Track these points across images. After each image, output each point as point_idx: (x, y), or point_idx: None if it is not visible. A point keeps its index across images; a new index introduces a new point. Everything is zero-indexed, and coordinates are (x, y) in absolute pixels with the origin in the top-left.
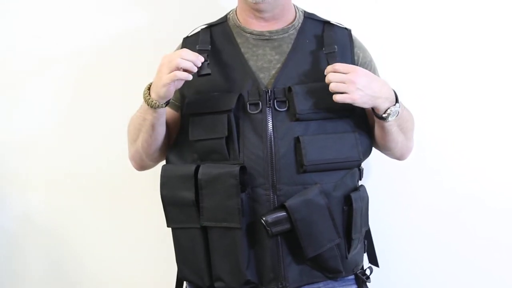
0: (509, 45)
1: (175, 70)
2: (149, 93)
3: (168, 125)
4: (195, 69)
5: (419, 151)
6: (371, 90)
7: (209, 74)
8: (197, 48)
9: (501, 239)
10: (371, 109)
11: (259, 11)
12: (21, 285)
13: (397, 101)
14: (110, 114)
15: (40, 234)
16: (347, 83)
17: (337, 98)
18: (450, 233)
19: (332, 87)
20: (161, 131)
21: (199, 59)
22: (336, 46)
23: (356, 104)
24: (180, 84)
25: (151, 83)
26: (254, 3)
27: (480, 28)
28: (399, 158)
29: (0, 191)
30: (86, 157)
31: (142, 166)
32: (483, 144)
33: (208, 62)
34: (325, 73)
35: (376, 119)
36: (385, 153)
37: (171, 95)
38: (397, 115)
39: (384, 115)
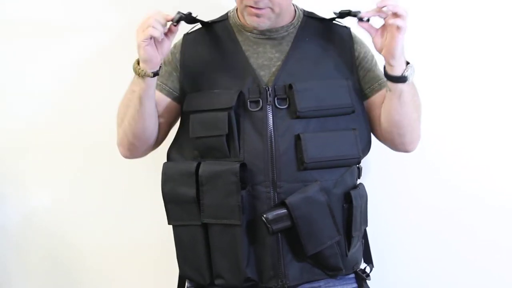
0: (508, 43)
1: (151, 28)
2: (139, 66)
3: (160, 112)
4: (164, 21)
5: (419, 148)
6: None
7: (184, 15)
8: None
9: (501, 238)
10: (385, 79)
11: (256, 29)
12: (21, 285)
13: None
14: (110, 113)
15: (40, 234)
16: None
17: (400, 25)
18: (450, 231)
19: (400, 11)
20: (149, 106)
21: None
22: (329, 53)
23: (396, 41)
24: (164, 51)
25: (137, 60)
26: (253, 27)
27: (479, 26)
28: (408, 145)
29: (0, 191)
30: (86, 156)
31: (130, 150)
32: (484, 142)
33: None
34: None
35: (393, 87)
36: (392, 145)
37: (152, 57)
38: (413, 73)
39: (404, 74)
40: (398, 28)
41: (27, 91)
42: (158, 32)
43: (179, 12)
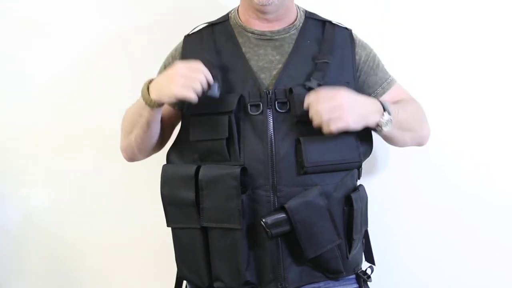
0: (509, 43)
1: (192, 90)
2: (148, 90)
3: (163, 120)
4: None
5: (420, 148)
6: (359, 108)
7: (216, 97)
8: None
9: (503, 238)
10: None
11: (263, 12)
12: (22, 285)
13: (385, 109)
14: (110, 113)
15: (40, 234)
16: (336, 110)
17: (332, 129)
18: (451, 231)
19: (325, 119)
20: (156, 128)
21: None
22: (330, 57)
23: (350, 129)
24: None
25: (151, 80)
26: (261, 5)
27: (480, 26)
28: (420, 144)
29: (0, 191)
30: (86, 156)
31: (132, 158)
32: (485, 141)
33: (219, 85)
34: (306, 102)
35: (378, 132)
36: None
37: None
38: (391, 122)
39: (378, 128)
40: (342, 123)
41: (27, 91)
42: (195, 97)
43: (219, 87)
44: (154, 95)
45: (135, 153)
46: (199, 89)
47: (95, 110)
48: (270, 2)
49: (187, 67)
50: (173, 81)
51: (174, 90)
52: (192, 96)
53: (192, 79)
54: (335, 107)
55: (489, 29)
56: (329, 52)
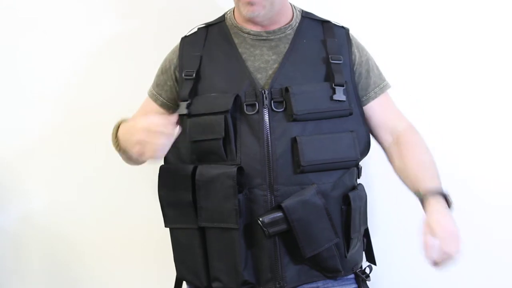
0: (509, 43)
1: (155, 152)
2: (118, 141)
3: None
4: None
5: None
6: (452, 217)
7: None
8: (183, 76)
9: (504, 237)
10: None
11: (254, 22)
12: (21, 285)
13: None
14: (109, 114)
15: (40, 235)
16: (455, 238)
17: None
18: None
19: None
20: None
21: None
22: (342, 57)
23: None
24: None
25: (120, 123)
26: (248, 18)
27: (480, 26)
28: None
29: (1, 191)
30: (85, 157)
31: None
32: (486, 140)
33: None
34: (430, 261)
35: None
36: None
37: None
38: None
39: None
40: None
41: (28, 92)
42: (162, 155)
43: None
44: (123, 144)
45: (129, 163)
46: (164, 147)
47: (94, 111)
48: (256, 14)
49: (147, 130)
50: (133, 147)
51: (137, 155)
52: (157, 157)
53: (152, 144)
54: (456, 241)
55: (489, 30)
56: (337, 51)
